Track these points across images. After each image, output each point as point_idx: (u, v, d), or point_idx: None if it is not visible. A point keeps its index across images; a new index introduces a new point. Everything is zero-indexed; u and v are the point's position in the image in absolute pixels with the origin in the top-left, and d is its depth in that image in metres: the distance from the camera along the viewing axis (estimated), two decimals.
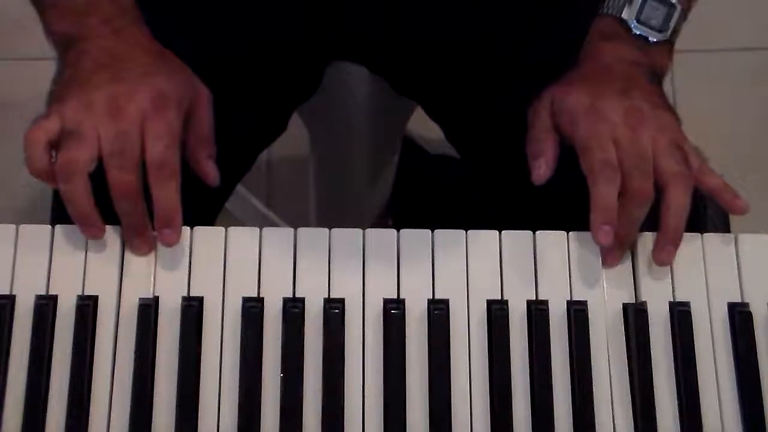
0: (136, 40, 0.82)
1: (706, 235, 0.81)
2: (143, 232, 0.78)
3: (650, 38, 0.86)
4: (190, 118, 0.82)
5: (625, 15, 0.86)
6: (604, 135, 0.80)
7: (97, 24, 0.81)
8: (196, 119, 0.82)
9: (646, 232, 0.81)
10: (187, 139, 0.81)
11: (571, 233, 0.81)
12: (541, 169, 0.82)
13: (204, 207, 0.82)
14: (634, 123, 0.81)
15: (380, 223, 1.44)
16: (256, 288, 0.78)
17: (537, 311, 0.78)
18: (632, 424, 0.76)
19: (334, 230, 0.80)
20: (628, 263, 0.81)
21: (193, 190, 0.81)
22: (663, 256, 0.80)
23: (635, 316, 0.78)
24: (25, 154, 0.77)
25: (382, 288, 0.79)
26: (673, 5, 0.87)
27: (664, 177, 0.79)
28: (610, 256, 0.80)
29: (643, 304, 0.79)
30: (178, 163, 0.78)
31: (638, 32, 0.86)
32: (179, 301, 0.77)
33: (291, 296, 0.78)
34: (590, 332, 0.77)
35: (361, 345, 0.77)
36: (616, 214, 0.78)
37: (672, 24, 0.87)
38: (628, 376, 0.77)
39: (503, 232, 0.81)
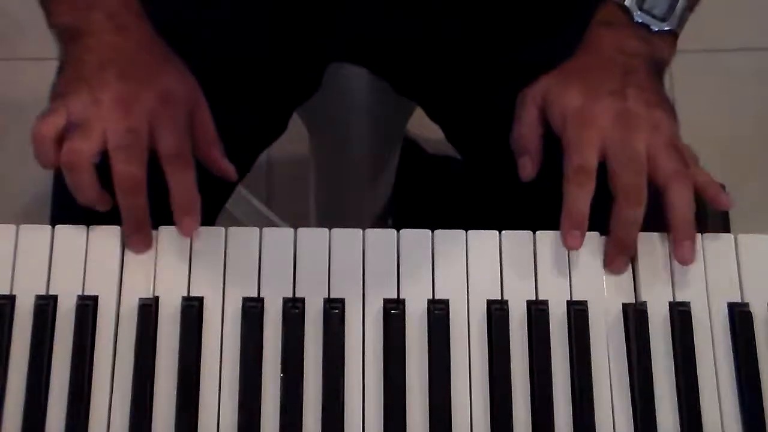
0: (140, 37, 0.83)
1: (706, 235, 0.81)
2: (143, 228, 0.78)
3: (653, 27, 0.83)
4: (193, 121, 0.83)
5: (627, 2, 0.84)
6: (585, 141, 0.79)
7: (102, 19, 0.81)
8: (200, 122, 0.83)
9: (646, 233, 0.81)
10: (196, 142, 0.82)
11: None
12: (527, 167, 0.83)
13: (204, 207, 0.82)
14: (625, 126, 0.80)
15: (380, 223, 1.44)
16: (256, 288, 0.78)
17: (537, 311, 0.78)
18: (632, 424, 0.76)
19: (334, 230, 0.80)
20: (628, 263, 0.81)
21: None
22: (682, 253, 0.79)
23: (635, 316, 0.78)
24: (34, 149, 0.78)
25: (382, 288, 0.78)
26: None
27: (663, 177, 0.79)
28: (613, 262, 0.79)
29: (643, 304, 0.79)
30: (191, 153, 0.80)
31: (640, 20, 0.83)
32: (179, 301, 0.77)
33: (291, 296, 0.78)
34: (590, 332, 0.77)
35: (361, 345, 0.77)
36: (585, 219, 0.78)
37: (677, 13, 0.84)
38: (628, 376, 0.77)
39: (503, 232, 0.81)
